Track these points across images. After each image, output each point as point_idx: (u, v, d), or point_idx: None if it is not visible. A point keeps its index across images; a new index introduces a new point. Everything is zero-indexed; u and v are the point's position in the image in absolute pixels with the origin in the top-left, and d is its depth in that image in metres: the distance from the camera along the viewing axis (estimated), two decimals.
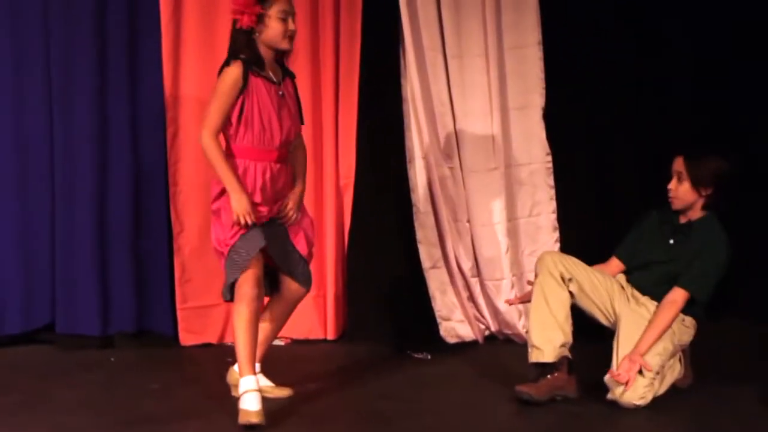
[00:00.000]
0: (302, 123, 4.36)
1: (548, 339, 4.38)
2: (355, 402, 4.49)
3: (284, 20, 4.14)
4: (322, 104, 5.54)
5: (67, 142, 5.33)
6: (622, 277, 4.63)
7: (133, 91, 5.39)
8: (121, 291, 5.39)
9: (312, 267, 4.48)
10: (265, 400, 4.13)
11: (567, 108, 5.64)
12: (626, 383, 4.28)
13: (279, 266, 4.30)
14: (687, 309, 4.44)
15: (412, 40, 5.46)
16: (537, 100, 5.61)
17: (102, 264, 5.36)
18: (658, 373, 4.34)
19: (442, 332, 5.52)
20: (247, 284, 4.08)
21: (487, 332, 5.66)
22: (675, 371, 4.49)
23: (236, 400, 4.10)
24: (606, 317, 4.54)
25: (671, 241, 4.55)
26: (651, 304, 4.48)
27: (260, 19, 4.12)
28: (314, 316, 5.59)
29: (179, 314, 5.43)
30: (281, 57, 4.28)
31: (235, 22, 4.14)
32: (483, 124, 5.56)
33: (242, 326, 4.08)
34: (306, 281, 4.38)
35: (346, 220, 5.60)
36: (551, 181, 5.63)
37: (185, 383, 4.75)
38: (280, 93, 4.20)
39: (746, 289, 5.69)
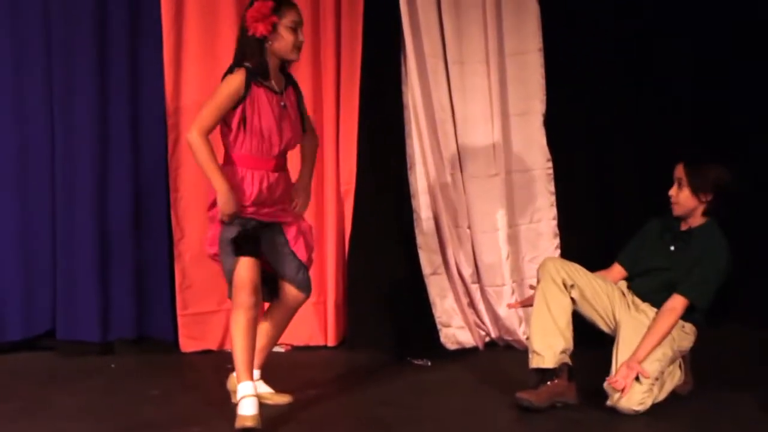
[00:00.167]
0: (305, 132, 4.35)
1: (549, 345, 4.38)
2: (355, 408, 4.49)
3: (295, 30, 4.15)
4: (323, 109, 5.53)
5: (67, 142, 5.32)
6: (623, 284, 4.63)
7: (133, 91, 5.39)
8: (122, 297, 5.39)
9: (312, 273, 4.49)
10: (265, 407, 4.14)
11: (567, 108, 5.63)
12: (622, 390, 4.28)
13: (276, 271, 4.29)
14: (687, 315, 4.43)
15: (413, 47, 5.46)
16: (538, 106, 5.61)
17: (102, 270, 5.35)
18: (657, 379, 4.34)
19: (443, 339, 5.52)
20: (243, 292, 4.08)
21: (487, 339, 5.65)
22: (675, 377, 4.49)
23: (236, 406, 4.09)
24: (607, 324, 4.54)
25: (672, 248, 4.55)
26: (651, 311, 4.48)
27: (274, 28, 4.12)
28: (314, 323, 5.58)
29: (179, 320, 5.43)
30: (285, 65, 4.27)
31: (244, 29, 4.13)
32: (484, 130, 5.56)
33: (239, 333, 4.09)
34: (305, 287, 4.37)
35: (346, 226, 5.59)
36: (552, 188, 5.63)
37: (185, 389, 4.76)
38: (282, 104, 4.20)
39: (746, 293, 5.67)
